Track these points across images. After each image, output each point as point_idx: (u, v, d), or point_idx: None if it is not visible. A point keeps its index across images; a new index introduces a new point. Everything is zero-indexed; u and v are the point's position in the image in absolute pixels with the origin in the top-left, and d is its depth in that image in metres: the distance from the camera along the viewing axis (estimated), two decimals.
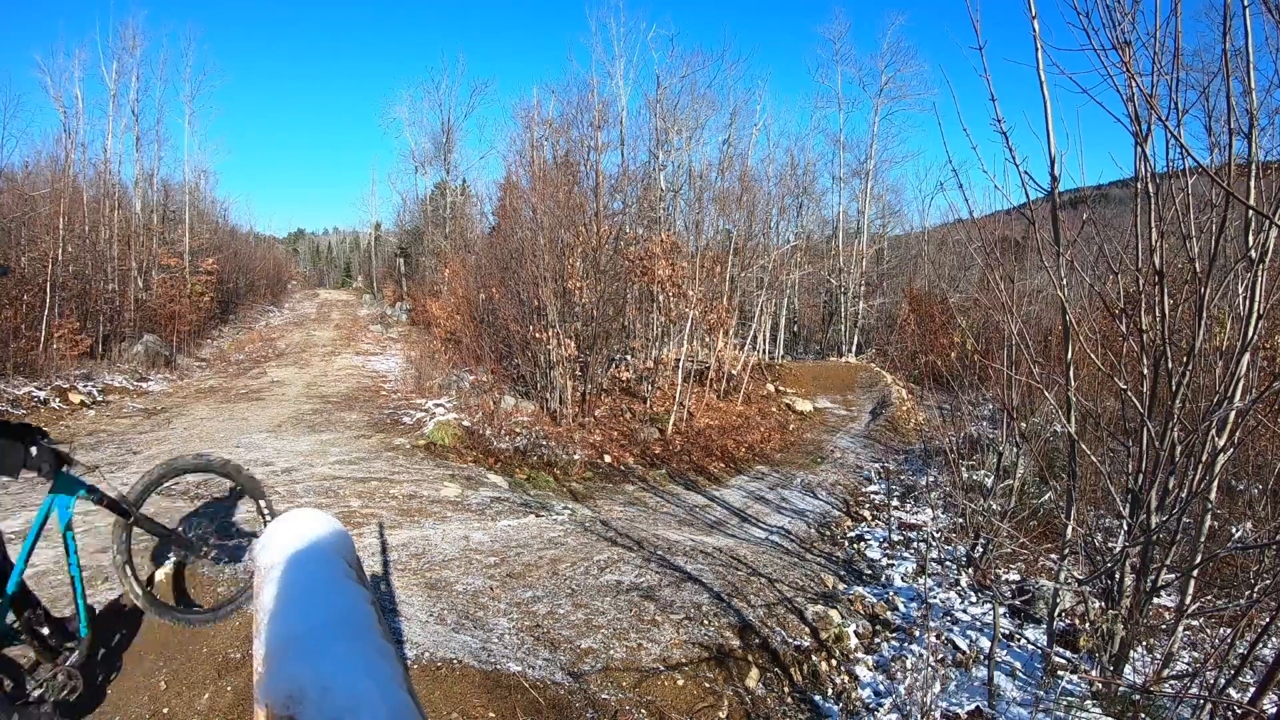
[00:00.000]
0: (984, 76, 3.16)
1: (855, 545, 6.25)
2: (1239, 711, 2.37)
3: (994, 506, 5.53)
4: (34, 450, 2.07)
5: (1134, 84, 2.69)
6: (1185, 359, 2.88)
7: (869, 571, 5.38)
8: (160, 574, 2.97)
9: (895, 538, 6.33)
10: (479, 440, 8.15)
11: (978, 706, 3.05)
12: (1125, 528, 3.27)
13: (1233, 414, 2.80)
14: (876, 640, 3.79)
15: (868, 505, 7.91)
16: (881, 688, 3.25)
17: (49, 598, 3.39)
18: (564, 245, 10.36)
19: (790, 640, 3.22)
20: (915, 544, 6.12)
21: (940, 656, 3.50)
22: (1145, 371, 3.23)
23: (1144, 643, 3.58)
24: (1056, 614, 3.68)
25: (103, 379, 10.72)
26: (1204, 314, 2.77)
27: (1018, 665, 3.53)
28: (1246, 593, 3.13)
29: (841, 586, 4.51)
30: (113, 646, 2.51)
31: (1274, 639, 3.26)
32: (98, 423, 8.38)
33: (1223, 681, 2.61)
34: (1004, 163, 3.23)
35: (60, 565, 3.82)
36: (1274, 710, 2.00)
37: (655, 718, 2.29)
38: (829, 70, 25.30)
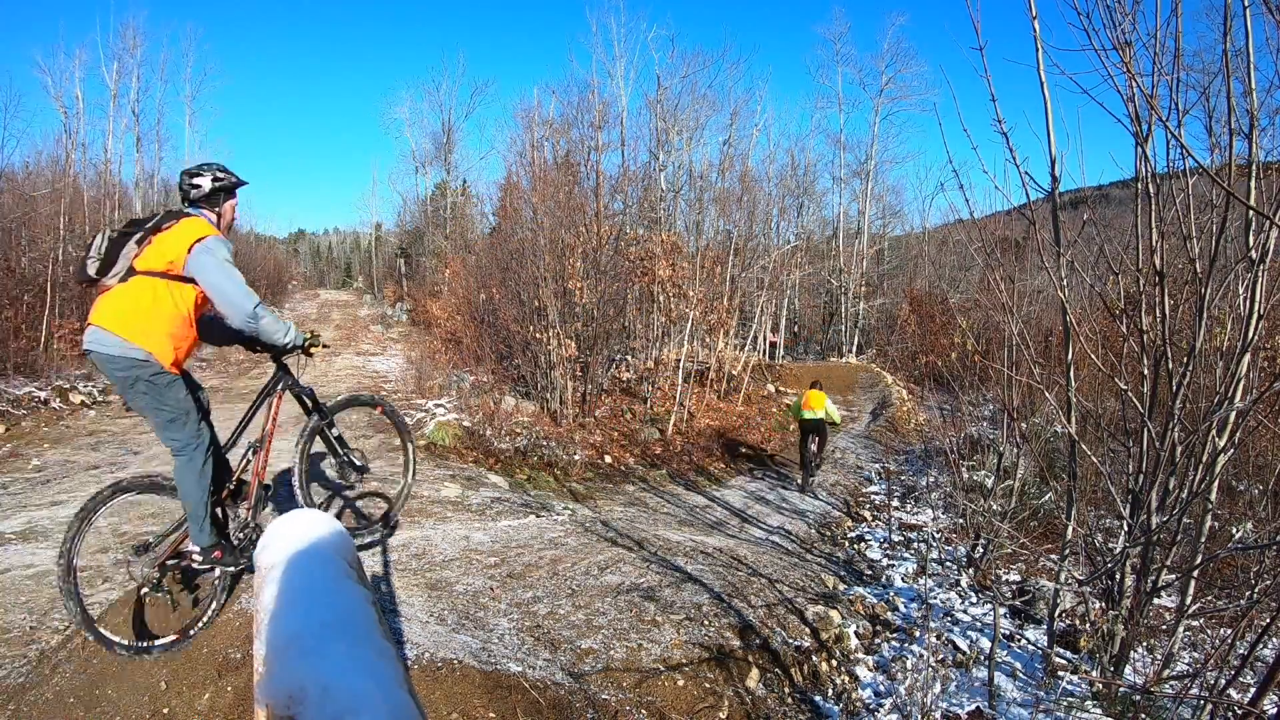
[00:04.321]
0: (984, 77, 3.17)
1: (855, 545, 6.25)
2: (1239, 712, 2.37)
3: (994, 507, 5.52)
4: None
5: (1134, 84, 2.69)
6: (1185, 359, 2.87)
7: (869, 572, 5.37)
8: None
9: (895, 538, 6.32)
10: (479, 440, 8.15)
11: (978, 707, 3.05)
12: (1125, 528, 3.27)
13: (1233, 414, 2.80)
14: (877, 641, 3.79)
15: (868, 505, 7.91)
16: (882, 688, 3.25)
17: (48, 598, 3.39)
18: (564, 246, 10.35)
19: (791, 641, 3.22)
20: (915, 544, 6.12)
21: (940, 657, 3.50)
22: (1145, 372, 3.23)
23: (1144, 643, 3.58)
24: (1057, 614, 3.68)
25: (103, 379, 10.72)
26: (1204, 314, 2.77)
27: (1018, 666, 3.53)
28: (1247, 593, 3.13)
29: (842, 587, 4.51)
30: None
31: (1274, 639, 3.26)
32: (98, 423, 8.39)
33: (1223, 682, 2.60)
34: (1004, 163, 3.24)
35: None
36: (1274, 711, 2.00)
37: (655, 718, 2.29)
38: (829, 70, 25.44)
